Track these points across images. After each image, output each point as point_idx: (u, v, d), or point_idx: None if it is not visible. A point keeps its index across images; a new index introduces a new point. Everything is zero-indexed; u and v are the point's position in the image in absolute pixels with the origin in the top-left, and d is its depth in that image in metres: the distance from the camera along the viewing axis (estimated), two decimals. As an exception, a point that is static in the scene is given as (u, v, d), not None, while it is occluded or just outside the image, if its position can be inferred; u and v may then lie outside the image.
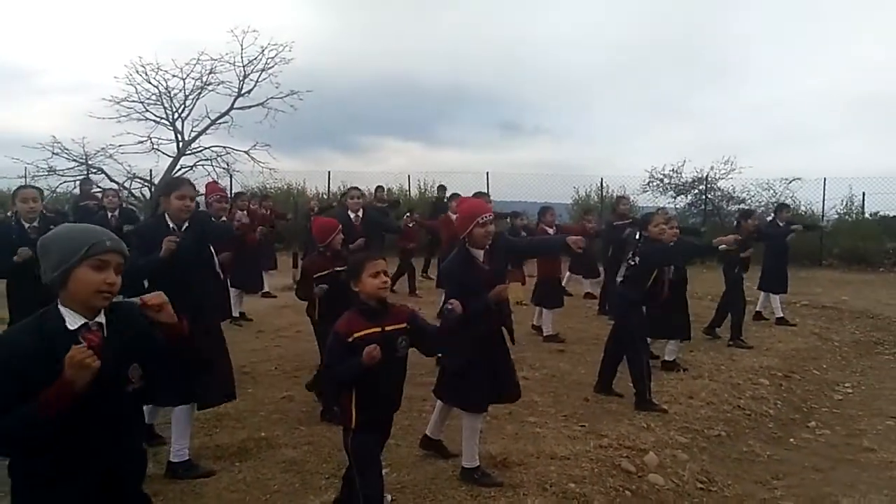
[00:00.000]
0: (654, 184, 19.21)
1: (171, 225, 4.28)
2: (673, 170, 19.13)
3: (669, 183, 19.17)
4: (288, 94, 16.49)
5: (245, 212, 9.41)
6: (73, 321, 2.05)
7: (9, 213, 5.44)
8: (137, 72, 17.15)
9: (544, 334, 8.42)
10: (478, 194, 4.91)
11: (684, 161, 19.01)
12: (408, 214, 12.95)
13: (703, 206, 18.76)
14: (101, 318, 2.12)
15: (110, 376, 2.05)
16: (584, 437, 4.99)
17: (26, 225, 5.10)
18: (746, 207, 15.93)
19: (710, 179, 18.71)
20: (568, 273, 11.83)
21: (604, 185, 19.27)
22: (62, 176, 17.77)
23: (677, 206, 18.96)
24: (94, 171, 18.34)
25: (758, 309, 10.11)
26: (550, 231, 8.73)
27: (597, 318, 9.99)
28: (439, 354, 4.68)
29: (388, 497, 3.93)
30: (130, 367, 2.15)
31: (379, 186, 15.05)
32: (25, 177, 19.75)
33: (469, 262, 4.14)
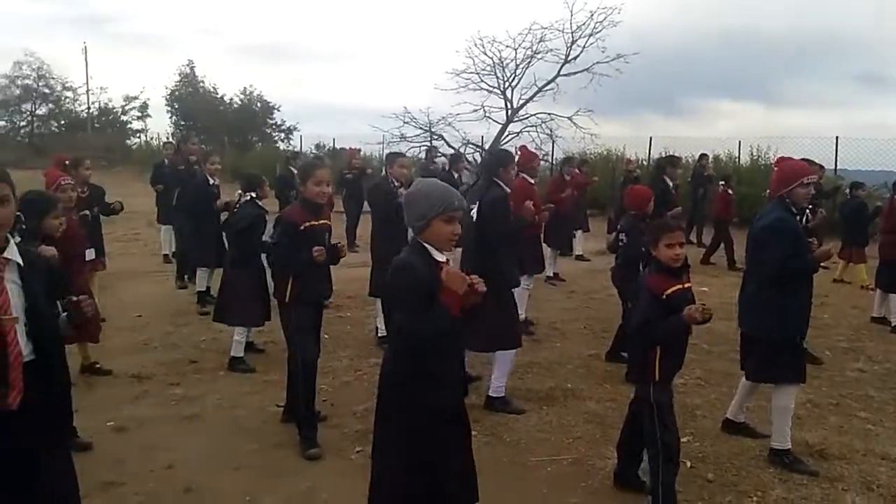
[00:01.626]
0: None
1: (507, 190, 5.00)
2: None
3: None
4: (614, 58, 16.41)
5: (570, 177, 9.82)
6: (437, 255, 2.65)
7: (383, 173, 6.65)
8: (476, 45, 18.65)
9: (893, 324, 7.29)
10: (804, 160, 4.54)
11: None
12: (722, 183, 12.10)
13: None
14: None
15: None
16: (931, 444, 4.32)
17: (396, 184, 6.15)
18: None
19: None
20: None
21: None
22: (410, 142, 20.29)
23: None
24: (436, 137, 20.60)
25: None
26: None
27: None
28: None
29: (688, 463, 3.95)
30: None
31: (703, 154, 14.27)
32: (382, 143, 22.92)
33: (793, 217, 4.01)
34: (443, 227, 2.61)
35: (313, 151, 28.14)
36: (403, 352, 2.66)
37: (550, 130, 18.16)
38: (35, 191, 4.42)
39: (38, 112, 35.31)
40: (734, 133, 32.42)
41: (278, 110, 35.47)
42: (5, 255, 2.16)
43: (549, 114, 18.07)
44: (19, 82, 34.39)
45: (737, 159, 18.37)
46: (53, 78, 35.06)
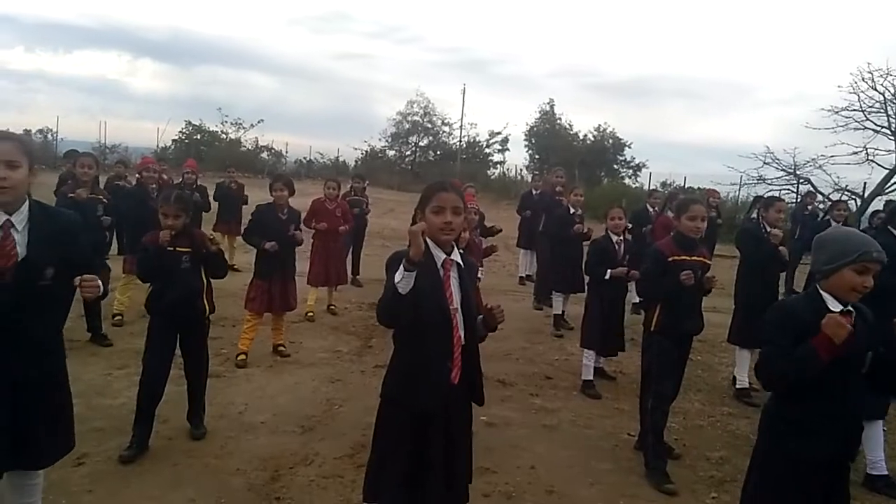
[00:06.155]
0: None
1: None
2: None
3: None
4: None
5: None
6: (833, 305, 2.49)
7: (753, 216, 6.36)
8: (863, 79, 16.60)
9: None
10: None
11: None
12: None
13: None
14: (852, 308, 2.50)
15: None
16: None
17: (768, 230, 5.82)
18: None
19: None
20: None
21: None
22: (769, 185, 18.87)
23: None
24: (802, 181, 18.77)
25: None
26: None
27: None
28: None
29: None
30: None
31: None
32: (739, 184, 21.65)
33: None
34: (853, 277, 2.45)
35: (660, 189, 27.80)
36: (774, 394, 2.62)
37: None
38: None
39: (421, 144, 41.16)
40: None
41: (629, 147, 35.83)
42: (452, 257, 2.71)
43: (959, 160, 15.22)
44: (409, 118, 40.55)
45: None
46: (436, 115, 40.58)
